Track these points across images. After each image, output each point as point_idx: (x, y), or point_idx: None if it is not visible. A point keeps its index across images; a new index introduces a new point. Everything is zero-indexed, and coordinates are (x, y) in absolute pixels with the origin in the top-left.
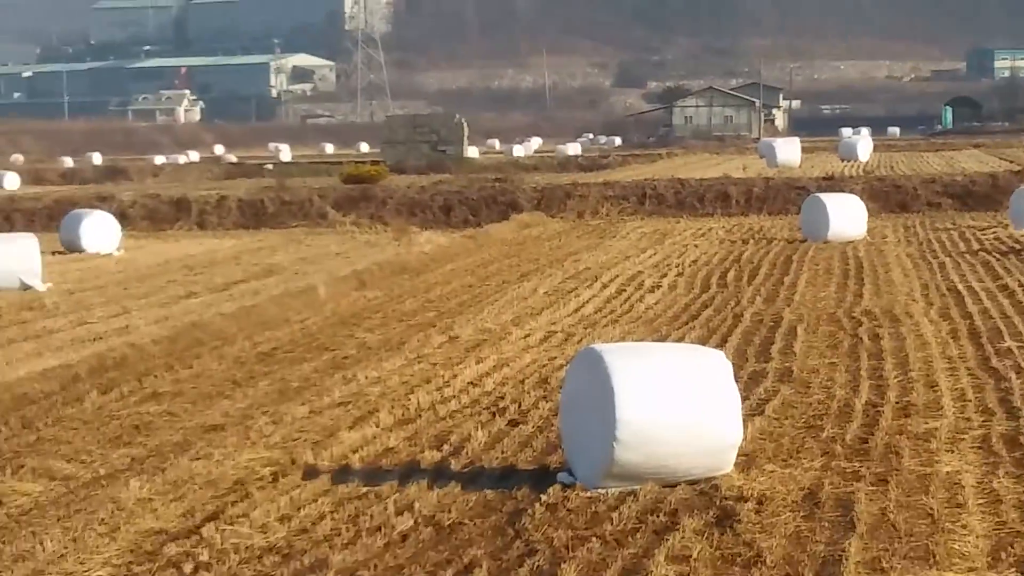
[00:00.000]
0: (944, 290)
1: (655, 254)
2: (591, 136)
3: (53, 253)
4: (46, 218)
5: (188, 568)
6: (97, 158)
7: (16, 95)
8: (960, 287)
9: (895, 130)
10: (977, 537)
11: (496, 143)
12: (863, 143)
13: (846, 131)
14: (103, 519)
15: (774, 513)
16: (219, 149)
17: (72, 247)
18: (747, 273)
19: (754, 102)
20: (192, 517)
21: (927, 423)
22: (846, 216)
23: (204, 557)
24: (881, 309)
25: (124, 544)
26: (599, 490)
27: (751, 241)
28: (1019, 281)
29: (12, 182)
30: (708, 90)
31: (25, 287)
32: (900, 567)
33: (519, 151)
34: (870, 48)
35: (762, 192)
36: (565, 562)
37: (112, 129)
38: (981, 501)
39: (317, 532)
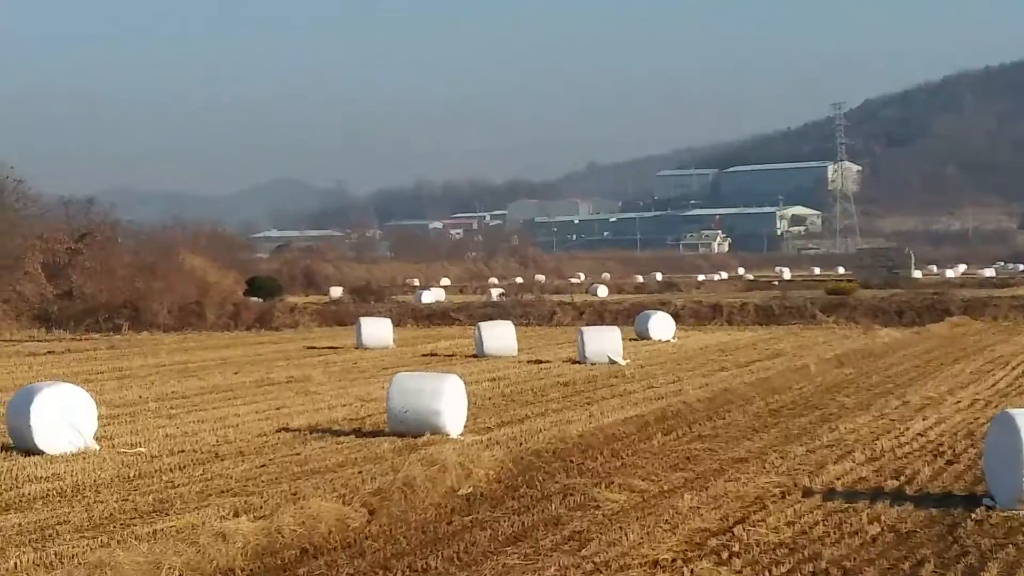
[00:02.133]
0: None
1: None
2: (1002, 263)
3: (630, 340)
4: (625, 315)
5: (724, 555)
6: (659, 276)
7: (605, 233)
8: None
9: None
10: None
11: (934, 268)
12: None
13: None
14: (667, 520)
15: None
16: (741, 270)
17: (642, 336)
18: None
19: None
20: (727, 521)
21: None
22: None
23: (735, 548)
24: None
25: (681, 537)
26: (1013, 511)
27: None
28: None
29: (603, 291)
30: None
31: (612, 362)
32: None
33: (950, 274)
34: None
35: None
36: (990, 561)
37: (669, 257)
38: None
39: (813, 534)
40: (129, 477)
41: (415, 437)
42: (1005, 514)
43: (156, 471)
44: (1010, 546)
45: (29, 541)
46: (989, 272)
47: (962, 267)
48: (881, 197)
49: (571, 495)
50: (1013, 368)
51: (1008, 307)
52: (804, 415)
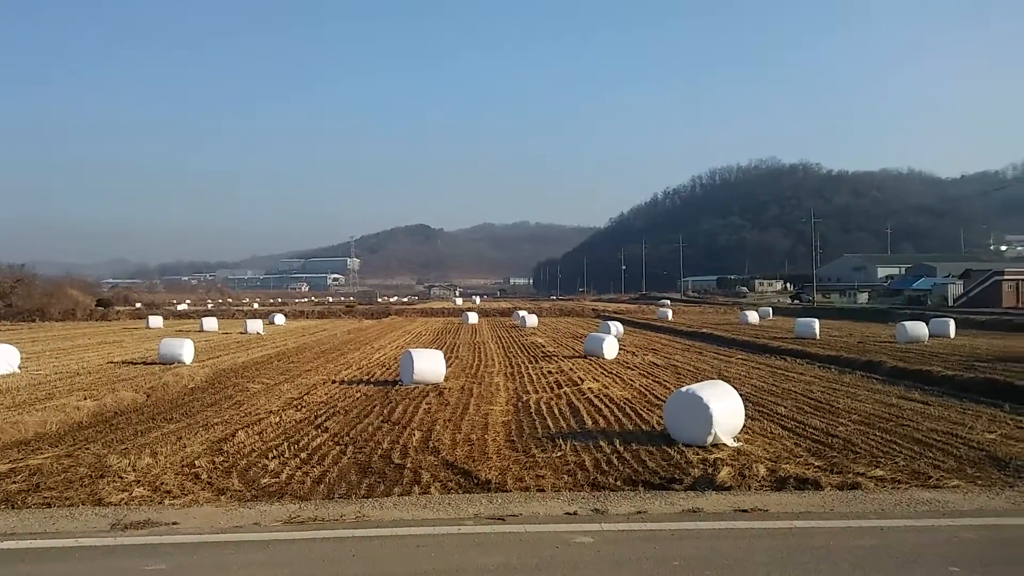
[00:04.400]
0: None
1: (404, 335)
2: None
3: (270, 324)
4: (264, 313)
5: (299, 407)
6: (279, 300)
7: (258, 284)
8: None
9: None
10: (503, 396)
11: (390, 299)
12: None
13: None
14: (276, 395)
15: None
16: (315, 299)
17: (273, 322)
18: (453, 332)
19: None
20: (301, 393)
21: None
22: None
23: (304, 404)
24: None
25: (282, 401)
26: (412, 385)
27: (450, 328)
28: None
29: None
30: None
31: (258, 333)
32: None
33: (392, 301)
34: None
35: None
36: (401, 404)
37: (289, 294)
38: (504, 388)
39: (336, 397)
40: (34, 384)
41: (170, 364)
42: (407, 386)
43: (47, 381)
44: (407, 400)
45: None
46: (406, 299)
47: (395, 298)
48: (368, 272)
49: (236, 386)
50: (413, 334)
51: (411, 311)
52: (335, 352)
